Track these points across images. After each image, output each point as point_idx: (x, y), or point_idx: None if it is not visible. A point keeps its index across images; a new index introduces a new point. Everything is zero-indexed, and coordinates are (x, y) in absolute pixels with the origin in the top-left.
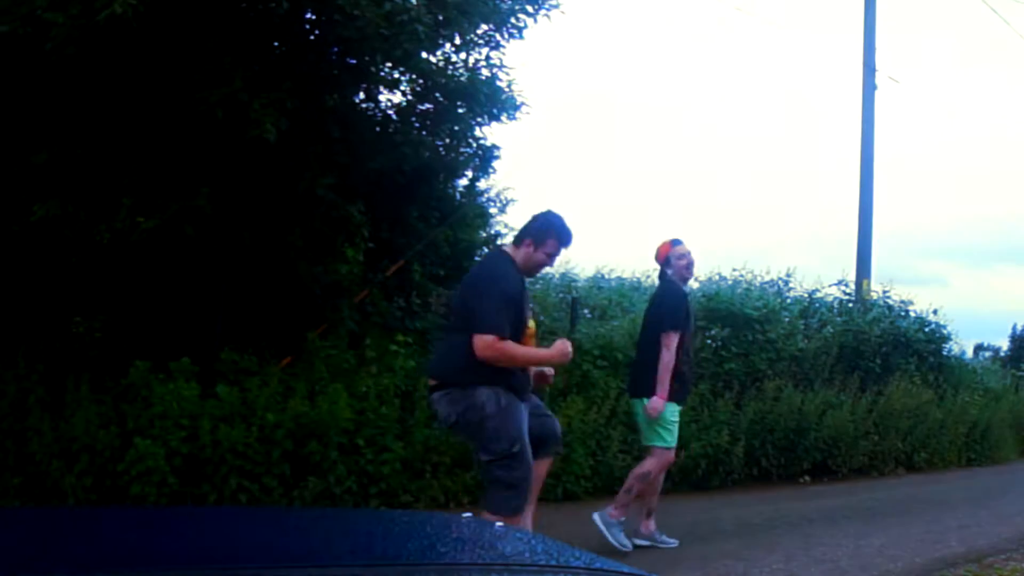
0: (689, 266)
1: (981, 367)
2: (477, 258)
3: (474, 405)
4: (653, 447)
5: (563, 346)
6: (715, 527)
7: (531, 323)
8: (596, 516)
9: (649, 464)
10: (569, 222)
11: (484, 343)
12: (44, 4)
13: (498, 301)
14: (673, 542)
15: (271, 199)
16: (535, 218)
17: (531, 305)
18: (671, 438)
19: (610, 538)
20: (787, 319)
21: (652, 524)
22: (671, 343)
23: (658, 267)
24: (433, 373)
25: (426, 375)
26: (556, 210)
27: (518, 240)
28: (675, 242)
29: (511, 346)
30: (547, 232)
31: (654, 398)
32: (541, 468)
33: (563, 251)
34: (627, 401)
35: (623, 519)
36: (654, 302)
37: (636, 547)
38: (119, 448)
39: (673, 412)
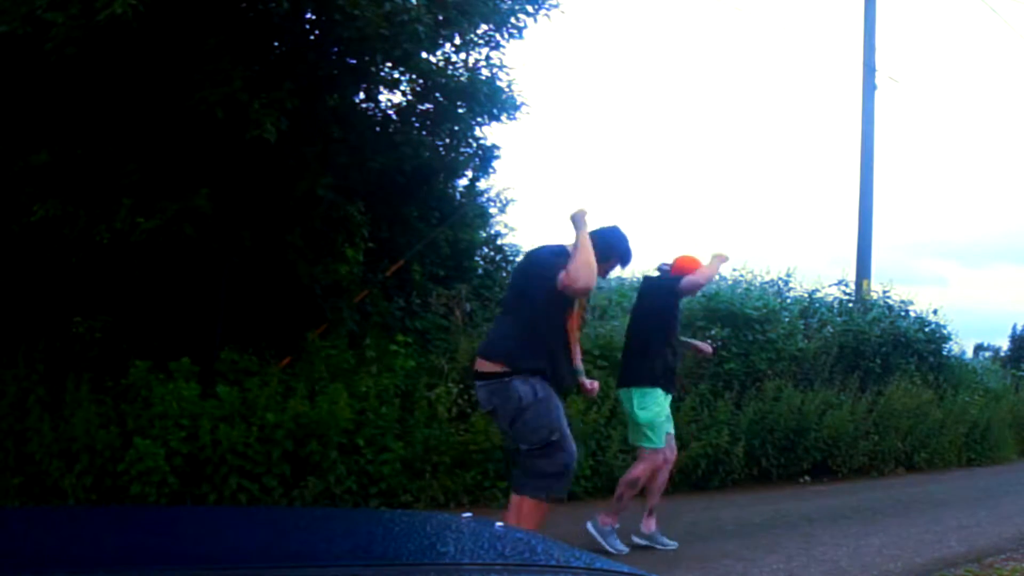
0: (700, 289)
1: (981, 367)
2: (477, 258)
3: (511, 397)
4: (640, 448)
5: (591, 386)
6: (715, 527)
7: (583, 314)
8: (589, 526)
9: (638, 470)
10: (632, 243)
11: (570, 269)
12: (44, 4)
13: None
14: (672, 544)
15: (271, 199)
16: (602, 232)
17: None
18: (657, 439)
19: (605, 545)
20: (787, 319)
21: (653, 523)
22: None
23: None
24: (480, 352)
25: (477, 355)
26: (621, 228)
27: None
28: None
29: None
30: (612, 250)
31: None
32: None
33: (618, 269)
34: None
35: (616, 525)
36: (651, 295)
37: (635, 546)
38: (119, 448)
39: (660, 412)
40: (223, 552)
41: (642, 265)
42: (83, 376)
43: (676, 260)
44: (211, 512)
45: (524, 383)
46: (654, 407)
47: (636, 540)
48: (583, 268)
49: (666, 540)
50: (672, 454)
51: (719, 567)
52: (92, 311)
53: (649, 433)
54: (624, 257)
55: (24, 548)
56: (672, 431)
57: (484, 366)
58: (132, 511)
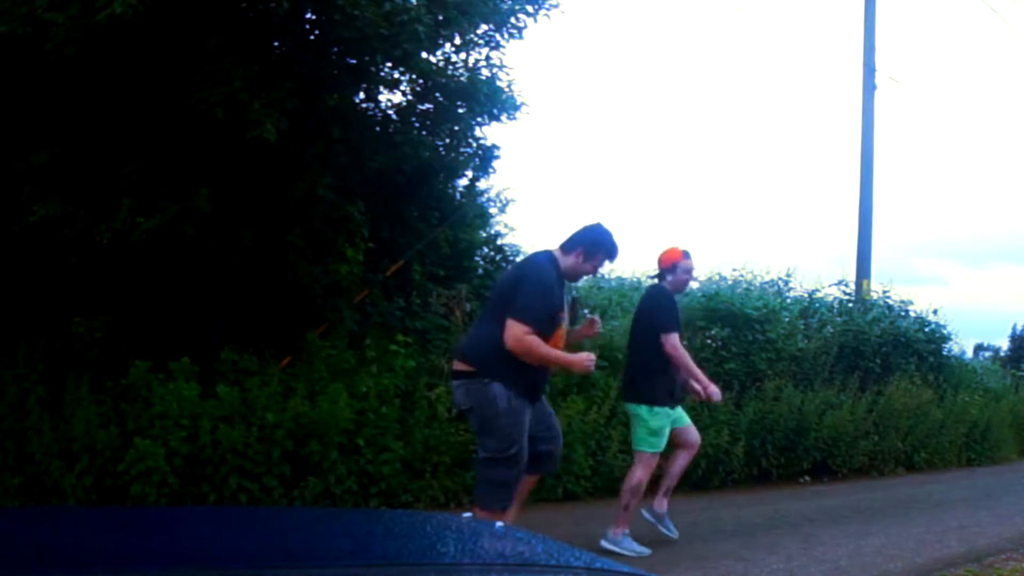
0: (690, 281)
1: (981, 367)
2: (477, 258)
3: (488, 401)
4: (640, 452)
5: (586, 359)
6: (715, 527)
7: (564, 324)
8: (604, 543)
9: (638, 474)
10: (617, 237)
11: (516, 333)
12: (44, 4)
13: (539, 294)
14: (674, 534)
15: (271, 199)
16: (588, 230)
17: (569, 301)
18: (659, 444)
19: (625, 552)
20: (787, 319)
21: (666, 504)
22: (676, 342)
23: (656, 270)
24: (458, 354)
25: (454, 356)
26: (605, 224)
27: (568, 248)
28: (686, 253)
29: (537, 342)
30: (598, 247)
31: (713, 388)
32: (526, 485)
33: (606, 263)
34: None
35: (626, 531)
36: (645, 306)
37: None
38: (119, 448)
39: (667, 420)
40: (223, 552)
41: (643, 266)
42: (83, 376)
43: (662, 254)
44: (211, 512)
45: (503, 389)
46: (664, 418)
47: (645, 515)
48: (521, 344)
49: (672, 528)
50: (696, 439)
51: (719, 567)
52: (92, 311)
53: (653, 439)
54: (610, 252)
55: (24, 548)
56: (688, 420)
57: (461, 366)
58: (132, 511)
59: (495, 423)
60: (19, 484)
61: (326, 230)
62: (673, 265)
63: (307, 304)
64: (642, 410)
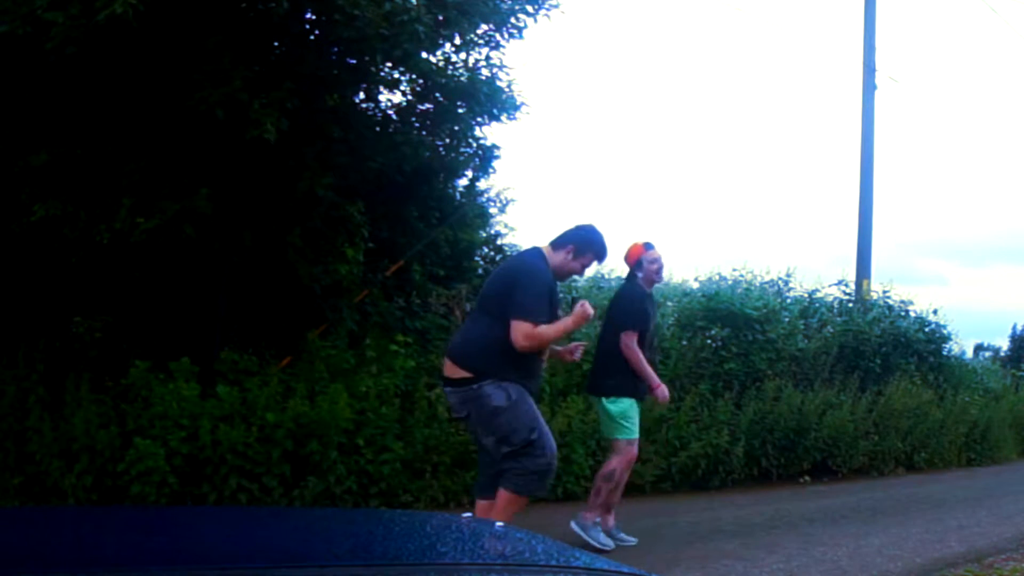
0: (659, 270)
1: (981, 367)
2: (477, 258)
3: (484, 403)
4: (615, 441)
5: (581, 309)
6: (715, 527)
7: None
8: (573, 524)
9: (613, 462)
10: (607, 239)
11: (525, 331)
12: (44, 4)
13: (539, 290)
14: (632, 540)
15: (271, 199)
16: (579, 228)
17: (568, 300)
18: (632, 429)
19: (590, 540)
20: (787, 319)
21: (611, 520)
22: (631, 341)
23: (627, 268)
24: (450, 354)
25: (445, 355)
26: (597, 226)
27: (558, 245)
28: (647, 246)
29: (544, 330)
30: (589, 246)
31: (661, 388)
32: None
33: (595, 264)
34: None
35: (598, 520)
36: (613, 304)
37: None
38: (119, 448)
39: (631, 407)
40: (223, 552)
41: None
42: (83, 376)
43: (625, 253)
44: (211, 512)
45: (496, 387)
46: (629, 405)
47: (572, 526)
48: (532, 339)
49: (625, 536)
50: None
51: (719, 567)
52: (92, 311)
53: (624, 423)
54: (599, 253)
55: (24, 548)
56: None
57: (454, 372)
58: (132, 511)
59: (496, 421)
60: (19, 484)
61: (326, 230)
62: (638, 260)
63: (307, 304)
64: (605, 402)
